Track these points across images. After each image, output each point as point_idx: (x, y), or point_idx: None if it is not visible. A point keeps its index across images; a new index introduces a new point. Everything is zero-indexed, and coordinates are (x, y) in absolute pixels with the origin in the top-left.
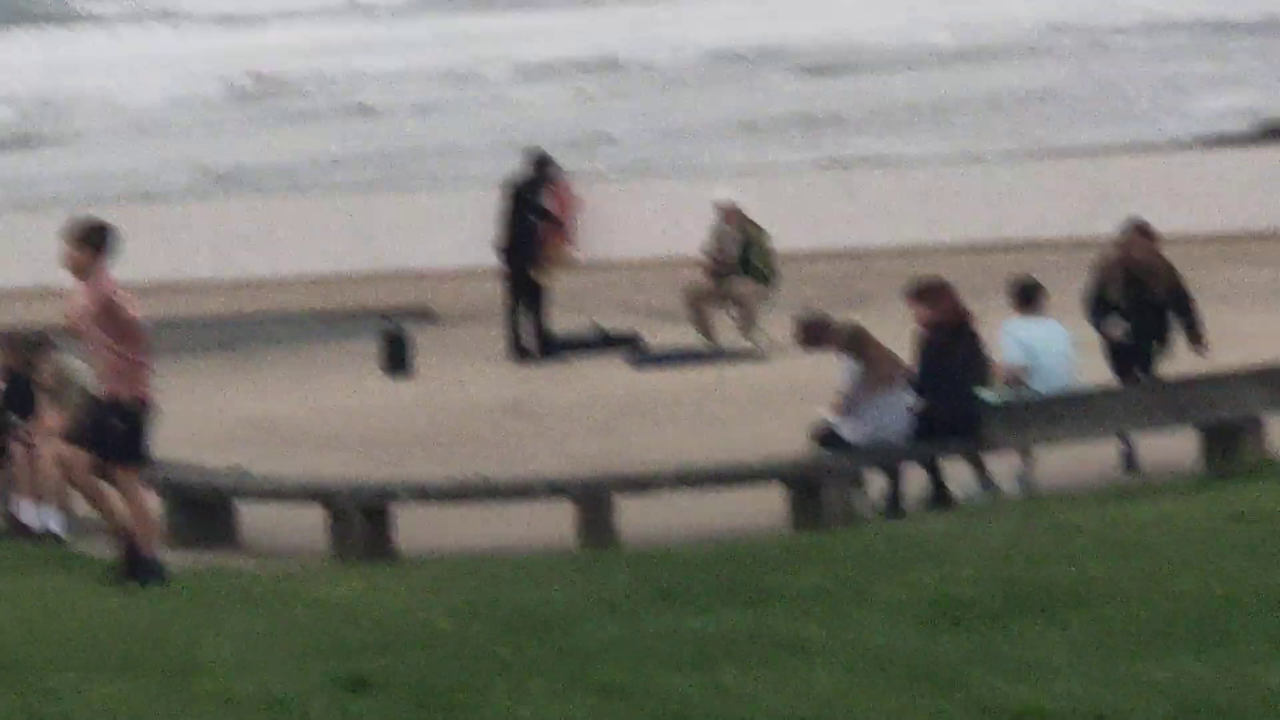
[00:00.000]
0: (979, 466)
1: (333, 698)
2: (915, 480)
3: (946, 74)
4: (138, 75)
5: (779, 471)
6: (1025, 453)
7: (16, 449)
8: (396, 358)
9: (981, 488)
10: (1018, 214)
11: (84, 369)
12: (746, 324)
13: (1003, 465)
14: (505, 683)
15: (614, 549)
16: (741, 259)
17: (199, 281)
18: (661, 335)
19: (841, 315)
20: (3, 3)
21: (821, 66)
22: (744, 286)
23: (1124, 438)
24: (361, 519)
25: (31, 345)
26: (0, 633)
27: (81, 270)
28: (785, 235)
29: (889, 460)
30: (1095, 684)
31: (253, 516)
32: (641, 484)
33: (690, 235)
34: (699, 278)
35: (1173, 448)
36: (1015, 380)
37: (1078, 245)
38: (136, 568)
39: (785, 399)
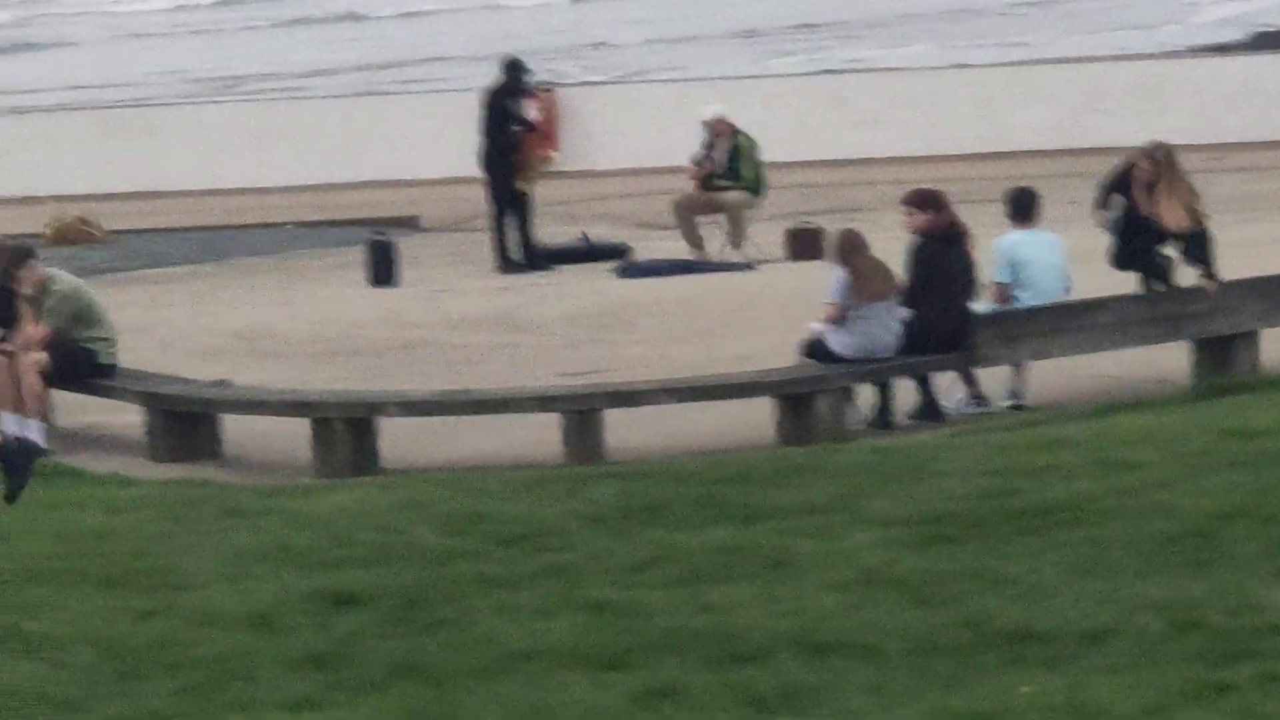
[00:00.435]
0: (969, 380)
1: (317, 612)
2: (905, 393)
3: None
4: None
5: (767, 384)
6: (1016, 366)
7: None
8: (383, 268)
9: (972, 401)
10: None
11: (66, 278)
12: (735, 234)
13: (993, 378)
14: (491, 598)
15: (601, 463)
16: (730, 168)
17: (187, 190)
18: (649, 246)
19: (832, 225)
20: None
21: None
22: (733, 196)
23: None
24: (346, 431)
25: (13, 255)
26: None
27: None
28: (776, 144)
29: (879, 373)
30: (1088, 601)
31: (236, 429)
32: (629, 397)
33: (680, 144)
34: (687, 187)
35: (1165, 361)
36: (1003, 298)
37: (1068, 153)
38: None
39: (774, 310)
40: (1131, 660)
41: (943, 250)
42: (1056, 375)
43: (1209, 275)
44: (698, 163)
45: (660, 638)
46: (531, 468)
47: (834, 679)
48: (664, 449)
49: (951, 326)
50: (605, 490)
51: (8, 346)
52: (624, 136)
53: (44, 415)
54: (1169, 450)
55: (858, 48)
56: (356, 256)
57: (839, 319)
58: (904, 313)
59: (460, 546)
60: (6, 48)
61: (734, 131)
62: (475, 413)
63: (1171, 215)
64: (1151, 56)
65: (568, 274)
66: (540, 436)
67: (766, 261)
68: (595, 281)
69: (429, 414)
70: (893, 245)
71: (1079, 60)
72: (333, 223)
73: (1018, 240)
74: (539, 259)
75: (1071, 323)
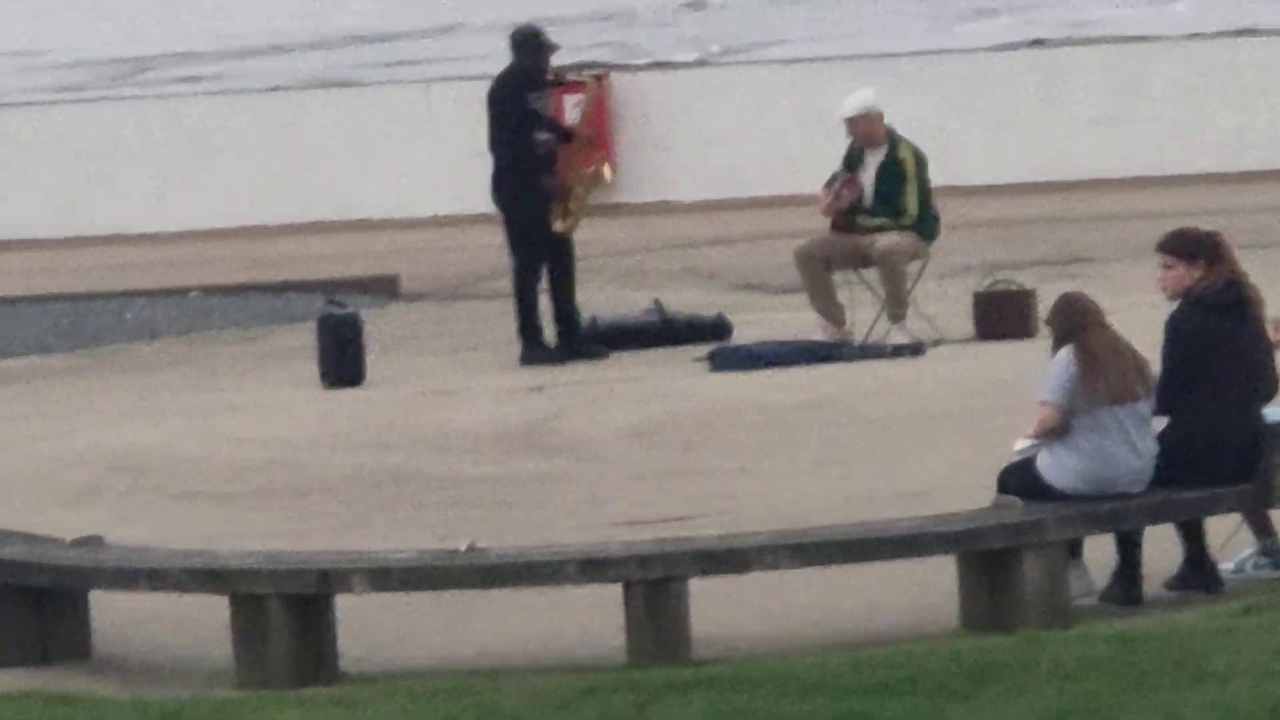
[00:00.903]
0: (1264, 528)
1: None
2: (1161, 547)
3: None
4: None
5: (945, 537)
6: None
7: None
8: (343, 358)
9: (1265, 561)
10: None
11: None
12: (894, 300)
13: None
14: None
15: (684, 663)
16: (884, 195)
17: (34, 239)
18: (758, 319)
19: (1047, 286)
20: None
21: None
22: (890, 241)
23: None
24: (285, 616)
25: None
26: None
27: None
28: (956, 158)
29: (1121, 517)
30: None
31: (116, 612)
32: (727, 559)
33: (804, 158)
34: (820, 227)
35: None
36: None
37: None
38: None
39: (955, 419)
40: None
41: (1221, 323)
42: None
43: None
44: (837, 189)
45: None
46: (572, 668)
47: None
48: (781, 640)
49: (1235, 443)
50: (690, 708)
51: None
52: (718, 147)
53: None
54: None
55: (1087, 6)
56: (302, 339)
57: (1060, 431)
58: (1160, 422)
59: None
60: None
61: (891, 138)
62: (486, 586)
63: None
64: None
65: (631, 364)
66: (589, 621)
67: (943, 342)
68: (674, 376)
69: (412, 588)
70: (1141, 316)
71: None
72: (266, 287)
73: None
74: (586, 341)
75: None
